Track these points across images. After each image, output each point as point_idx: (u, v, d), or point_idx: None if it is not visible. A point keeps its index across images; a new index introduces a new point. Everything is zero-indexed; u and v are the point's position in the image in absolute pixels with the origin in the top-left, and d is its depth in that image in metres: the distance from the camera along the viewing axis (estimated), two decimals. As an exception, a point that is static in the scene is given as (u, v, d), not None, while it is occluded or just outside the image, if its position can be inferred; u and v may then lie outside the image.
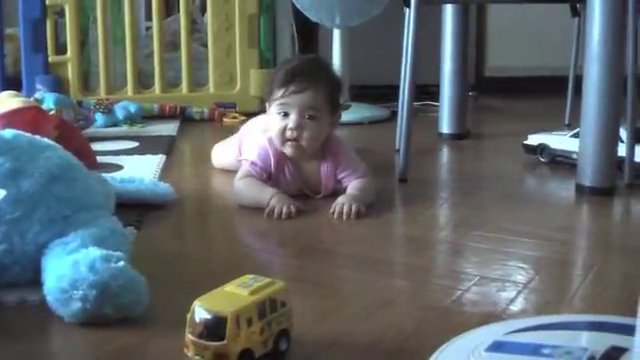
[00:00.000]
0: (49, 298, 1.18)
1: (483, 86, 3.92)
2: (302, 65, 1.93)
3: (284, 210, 1.76)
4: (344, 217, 1.76)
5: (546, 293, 1.33)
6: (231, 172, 2.06)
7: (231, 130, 2.45)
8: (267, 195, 1.80)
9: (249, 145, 2.03)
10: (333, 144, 1.94)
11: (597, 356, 0.87)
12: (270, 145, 1.90)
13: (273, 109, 1.89)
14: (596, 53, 1.92)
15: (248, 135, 2.14)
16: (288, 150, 1.89)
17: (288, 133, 1.86)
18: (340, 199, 1.81)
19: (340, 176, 1.92)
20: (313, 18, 3.21)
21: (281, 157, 1.90)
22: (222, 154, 2.27)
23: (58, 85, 3.20)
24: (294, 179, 1.91)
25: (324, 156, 1.92)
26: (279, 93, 1.87)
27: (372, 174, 1.95)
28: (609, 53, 1.91)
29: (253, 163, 1.90)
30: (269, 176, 1.90)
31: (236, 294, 1.02)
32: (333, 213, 1.77)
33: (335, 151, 1.93)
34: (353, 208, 1.77)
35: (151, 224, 1.72)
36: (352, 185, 1.88)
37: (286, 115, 1.87)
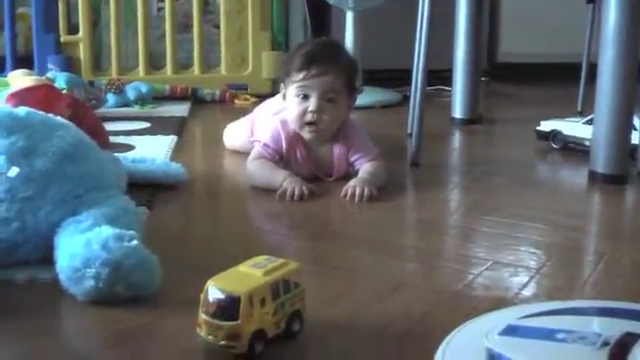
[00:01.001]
0: (61, 276, 1.18)
1: (495, 72, 3.90)
2: (322, 48, 1.93)
3: (296, 192, 1.75)
4: (356, 200, 1.75)
5: (558, 279, 1.33)
6: (242, 153, 2.06)
7: (242, 112, 2.44)
8: (279, 177, 1.80)
9: (261, 126, 2.03)
10: (347, 127, 1.93)
11: (611, 342, 0.86)
12: (282, 127, 1.90)
13: (291, 91, 1.88)
14: (611, 39, 1.90)
15: (260, 116, 2.13)
16: (306, 134, 1.88)
17: (308, 116, 1.86)
18: (352, 182, 1.80)
19: (352, 159, 1.91)
20: (328, 0, 3.19)
21: (293, 139, 1.89)
22: (234, 135, 2.26)
23: (70, 65, 3.20)
24: (306, 161, 1.90)
25: (337, 139, 1.91)
26: (299, 76, 1.86)
27: (384, 158, 1.94)
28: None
29: (265, 145, 1.89)
30: (281, 157, 1.89)
31: (250, 274, 1.02)
32: (345, 196, 1.77)
33: (348, 134, 1.92)
34: (365, 191, 1.76)
35: (162, 204, 1.72)
36: (364, 168, 1.88)
37: (305, 98, 1.86)
